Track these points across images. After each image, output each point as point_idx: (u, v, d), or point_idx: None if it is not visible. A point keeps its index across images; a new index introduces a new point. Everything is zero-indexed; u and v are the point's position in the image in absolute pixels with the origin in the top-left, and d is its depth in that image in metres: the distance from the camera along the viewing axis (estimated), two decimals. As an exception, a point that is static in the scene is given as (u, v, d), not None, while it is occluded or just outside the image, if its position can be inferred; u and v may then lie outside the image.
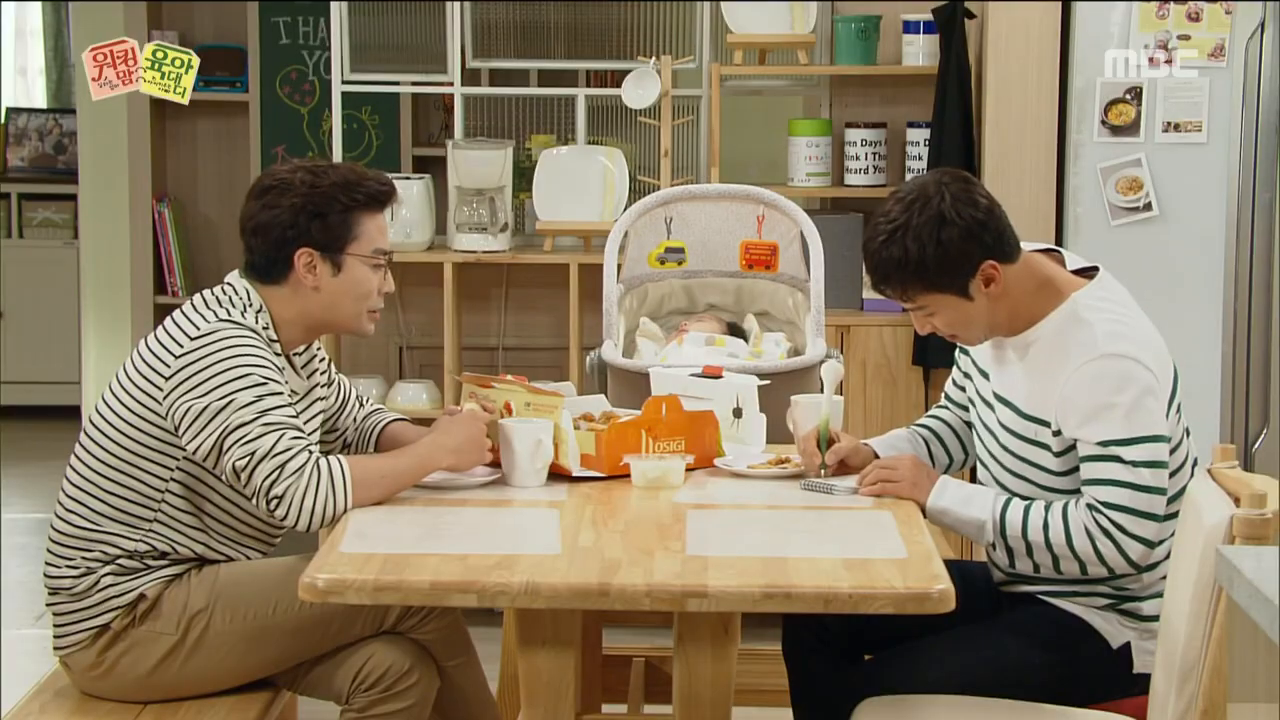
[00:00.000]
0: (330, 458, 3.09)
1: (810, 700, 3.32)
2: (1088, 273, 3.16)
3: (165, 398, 3.12)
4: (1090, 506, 2.99)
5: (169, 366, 3.12)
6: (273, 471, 3.04)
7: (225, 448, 3.06)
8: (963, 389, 3.38)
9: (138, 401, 3.16)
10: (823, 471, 3.26)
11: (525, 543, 2.92)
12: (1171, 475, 3.04)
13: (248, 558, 3.27)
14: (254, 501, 3.10)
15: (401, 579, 2.70)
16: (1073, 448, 3.04)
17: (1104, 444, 2.98)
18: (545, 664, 2.86)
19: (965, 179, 3.09)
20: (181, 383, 3.10)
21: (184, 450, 3.14)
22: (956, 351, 3.38)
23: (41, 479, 7.13)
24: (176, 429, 3.12)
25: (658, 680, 3.98)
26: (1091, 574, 3.04)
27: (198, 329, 3.13)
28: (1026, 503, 3.07)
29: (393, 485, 3.14)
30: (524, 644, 2.87)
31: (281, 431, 3.06)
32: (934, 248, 3.02)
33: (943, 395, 3.48)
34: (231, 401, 3.06)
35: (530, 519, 3.09)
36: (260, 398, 3.08)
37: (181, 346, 3.13)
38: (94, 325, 6.35)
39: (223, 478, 3.15)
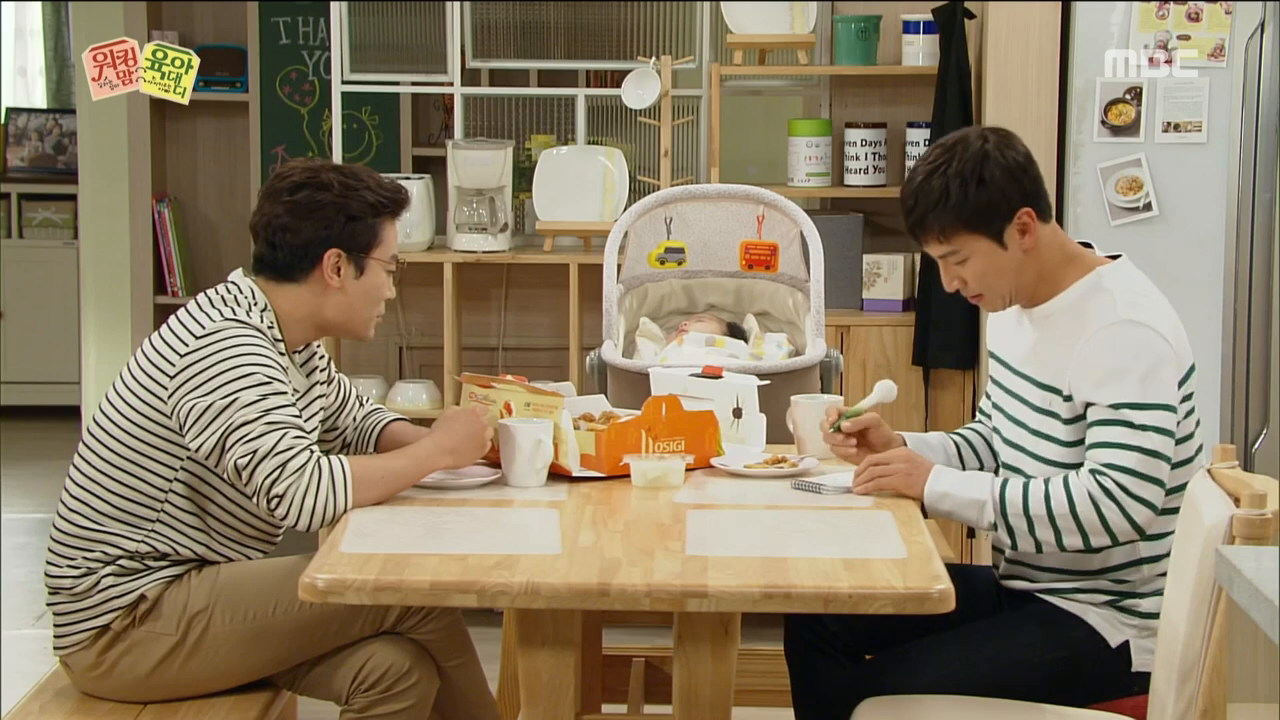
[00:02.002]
0: (331, 457, 3.09)
1: (810, 700, 3.32)
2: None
3: (170, 396, 3.12)
4: (1094, 471, 2.99)
5: (173, 365, 3.13)
6: (274, 470, 3.04)
7: (227, 446, 3.06)
8: (989, 396, 3.37)
9: (142, 401, 3.17)
10: (833, 429, 3.26)
11: (525, 543, 2.92)
12: (1181, 466, 3.05)
13: (248, 558, 3.28)
14: (254, 500, 3.10)
15: (401, 579, 2.70)
16: (1081, 418, 3.04)
17: (1115, 406, 2.98)
18: (545, 664, 2.86)
19: (1006, 131, 3.14)
20: (186, 381, 3.10)
21: (188, 450, 3.15)
22: (991, 362, 3.35)
23: (41, 479, 7.13)
24: (181, 427, 3.12)
25: (658, 680, 3.98)
26: (1094, 545, 3.02)
27: (203, 328, 3.14)
28: (1026, 479, 3.07)
29: (393, 485, 3.14)
30: (524, 644, 2.87)
31: (284, 431, 3.06)
32: (976, 185, 3.05)
33: (976, 412, 3.48)
34: (235, 400, 3.07)
35: (530, 519, 3.09)
36: (264, 396, 3.08)
37: (186, 345, 3.13)
38: (94, 325, 6.35)
39: (224, 477, 3.16)
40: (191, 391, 3.09)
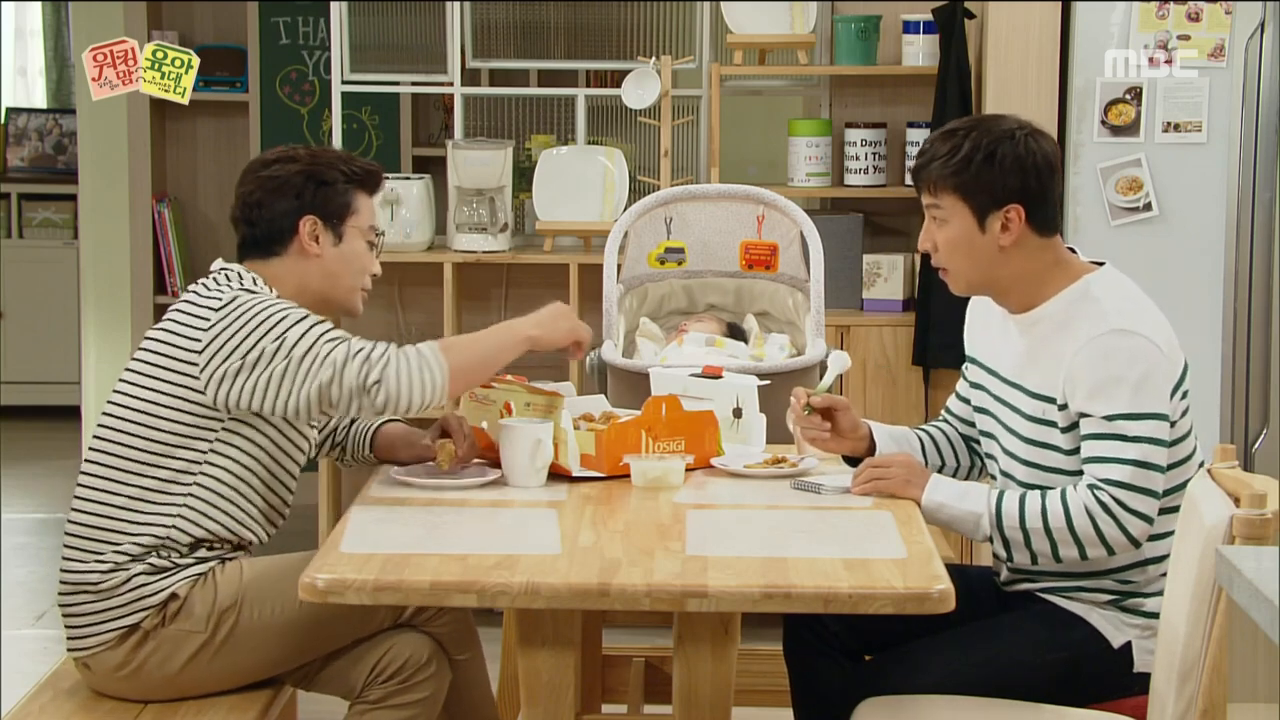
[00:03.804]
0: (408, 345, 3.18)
1: (810, 700, 3.32)
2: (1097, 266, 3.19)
3: (203, 370, 3.13)
4: (1091, 486, 2.99)
5: (200, 341, 3.14)
6: (361, 366, 3.11)
7: (302, 378, 3.11)
8: (967, 401, 3.37)
9: (166, 385, 3.16)
10: (806, 412, 3.29)
11: (525, 543, 2.92)
12: (1177, 466, 3.05)
13: (269, 534, 3.29)
14: (345, 411, 3.13)
15: (401, 579, 2.70)
16: (1076, 425, 3.04)
17: (1110, 419, 2.98)
18: (545, 664, 2.86)
19: (1045, 133, 3.15)
20: (220, 349, 3.12)
21: (222, 424, 3.16)
22: (964, 365, 3.36)
23: (41, 479, 7.13)
24: (227, 396, 3.12)
25: (658, 680, 3.98)
26: (1091, 557, 3.03)
27: (220, 299, 3.17)
28: (1021, 493, 3.07)
29: (480, 352, 3.22)
30: (524, 644, 2.87)
31: (347, 340, 3.14)
32: (983, 156, 3.07)
33: (943, 410, 3.48)
34: (283, 340, 3.12)
35: (530, 519, 3.09)
36: (310, 327, 3.14)
37: (208, 320, 3.15)
38: (94, 325, 6.35)
39: (289, 420, 3.20)
40: (230, 354, 3.12)
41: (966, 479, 3.40)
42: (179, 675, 3.16)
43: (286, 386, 3.12)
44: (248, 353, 3.11)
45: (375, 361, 3.12)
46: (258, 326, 3.13)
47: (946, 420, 3.45)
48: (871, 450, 3.34)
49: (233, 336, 3.13)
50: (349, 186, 3.32)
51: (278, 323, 3.14)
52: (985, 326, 3.29)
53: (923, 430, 3.43)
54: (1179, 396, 3.05)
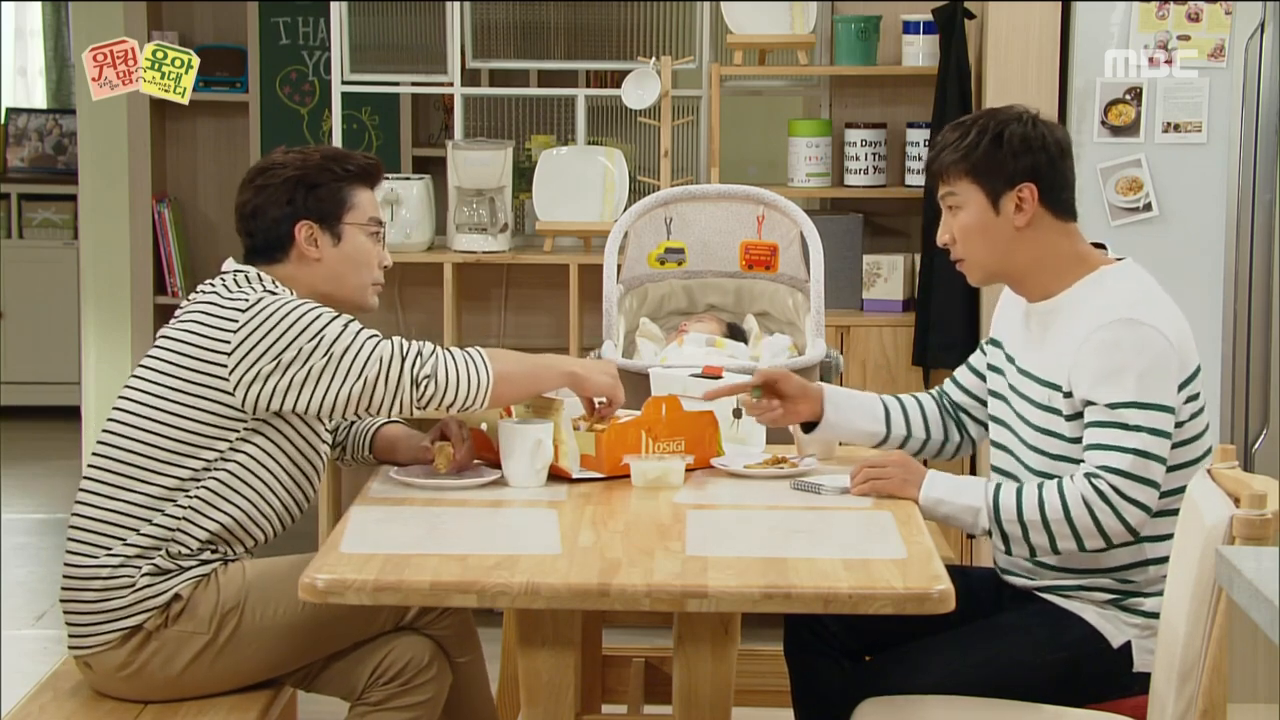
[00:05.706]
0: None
1: (810, 700, 3.33)
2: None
3: (233, 372, 3.13)
4: (1089, 475, 2.99)
5: (228, 344, 3.14)
6: (413, 360, 3.15)
7: (343, 375, 3.12)
8: (979, 375, 3.37)
9: (188, 382, 3.15)
10: (755, 397, 3.36)
11: (525, 543, 2.92)
12: (1189, 466, 3.04)
13: (274, 532, 3.28)
14: (385, 408, 3.15)
15: (401, 579, 2.70)
16: (1081, 414, 3.04)
17: (1113, 406, 2.98)
18: (545, 664, 2.86)
19: (1055, 122, 3.19)
20: (252, 349, 3.12)
21: (245, 424, 3.15)
22: (986, 343, 3.36)
23: (41, 479, 7.13)
24: (258, 397, 3.12)
25: (658, 680, 3.98)
26: (1089, 548, 3.03)
27: (246, 300, 3.17)
28: (1019, 484, 3.07)
29: (526, 369, 3.26)
30: (524, 644, 2.87)
31: (388, 337, 3.17)
32: (992, 138, 3.12)
33: (945, 380, 3.48)
34: (321, 339, 3.13)
35: (530, 519, 3.09)
36: (346, 324, 3.16)
37: (237, 321, 3.15)
38: (94, 325, 6.34)
39: (320, 418, 3.21)
40: (263, 354, 3.12)
41: (938, 454, 3.45)
42: (181, 676, 3.16)
43: (325, 383, 3.13)
44: (282, 352, 3.12)
45: (426, 357, 3.16)
46: (291, 326, 3.13)
47: (944, 391, 3.45)
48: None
49: (265, 337, 3.13)
50: (342, 184, 3.31)
51: (312, 322, 3.14)
52: (1012, 314, 3.29)
53: (894, 398, 3.43)
54: (1187, 395, 3.05)
